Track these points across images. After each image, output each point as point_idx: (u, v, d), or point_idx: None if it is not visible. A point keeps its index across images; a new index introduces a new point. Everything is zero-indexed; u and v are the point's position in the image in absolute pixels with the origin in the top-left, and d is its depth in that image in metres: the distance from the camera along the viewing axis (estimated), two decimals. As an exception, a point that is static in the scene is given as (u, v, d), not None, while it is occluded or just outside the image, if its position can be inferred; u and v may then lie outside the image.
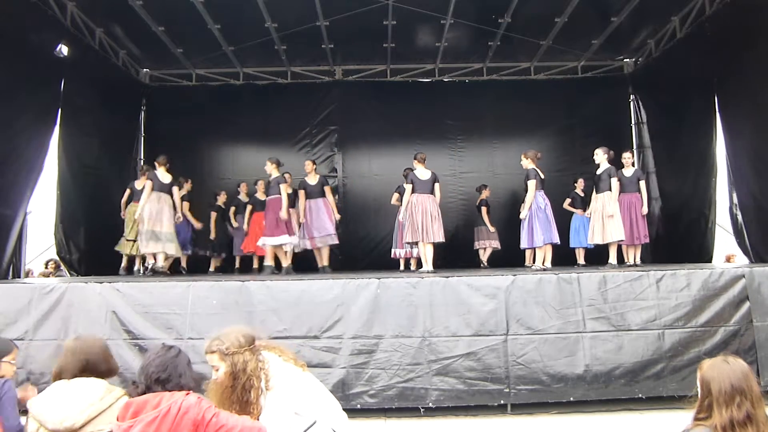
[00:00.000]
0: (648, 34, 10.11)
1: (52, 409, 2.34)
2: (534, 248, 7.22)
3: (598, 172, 7.55)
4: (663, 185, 10.18)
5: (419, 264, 7.90)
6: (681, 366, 5.27)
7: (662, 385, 5.25)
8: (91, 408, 2.34)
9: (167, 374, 2.22)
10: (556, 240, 7.14)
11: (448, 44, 10.02)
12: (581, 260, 8.92)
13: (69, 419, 2.30)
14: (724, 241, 8.84)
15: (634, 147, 11.10)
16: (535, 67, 11.28)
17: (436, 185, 7.39)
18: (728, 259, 9.81)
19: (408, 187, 7.43)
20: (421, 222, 7.14)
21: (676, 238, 9.57)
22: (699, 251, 8.99)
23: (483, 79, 11.28)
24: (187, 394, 2.22)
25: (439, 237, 7.21)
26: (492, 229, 9.78)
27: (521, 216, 7.14)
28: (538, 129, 11.08)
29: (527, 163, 7.28)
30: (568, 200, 9.46)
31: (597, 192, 7.61)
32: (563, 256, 8.83)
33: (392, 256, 8.98)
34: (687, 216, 9.34)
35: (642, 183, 7.76)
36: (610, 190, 7.35)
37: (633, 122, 11.27)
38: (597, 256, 8.29)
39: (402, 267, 8.96)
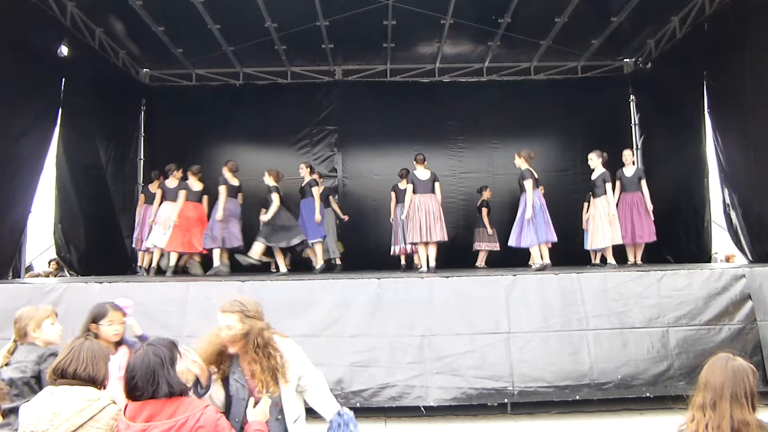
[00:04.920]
0: (648, 34, 10.11)
1: (37, 417, 2.30)
2: (531, 248, 7.23)
3: (593, 177, 7.54)
4: (663, 185, 10.17)
5: (409, 262, 8.11)
6: (687, 364, 5.26)
7: (669, 384, 5.24)
8: (77, 416, 2.31)
9: (152, 390, 2.20)
10: (552, 238, 7.13)
11: (448, 44, 10.02)
12: (596, 260, 8.95)
13: (53, 428, 2.27)
14: (725, 241, 8.84)
15: (635, 147, 11.10)
16: (535, 67, 11.27)
17: (436, 184, 7.53)
18: (728, 259, 9.82)
19: (409, 188, 7.59)
20: (424, 222, 7.27)
21: (675, 238, 9.56)
22: (698, 251, 9.00)
23: (483, 80, 11.28)
24: (206, 407, 2.22)
25: (441, 236, 7.32)
26: (491, 231, 9.75)
27: (527, 216, 7.03)
28: (538, 129, 11.07)
29: (521, 163, 7.26)
30: (586, 204, 9.21)
31: (594, 197, 7.61)
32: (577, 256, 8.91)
33: (391, 253, 9.03)
34: (685, 216, 9.35)
35: (643, 182, 7.73)
36: (606, 194, 7.34)
37: (633, 122, 11.26)
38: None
39: (403, 262, 9.04)
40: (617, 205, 7.62)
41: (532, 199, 7.00)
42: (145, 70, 11.25)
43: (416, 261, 8.72)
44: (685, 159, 9.35)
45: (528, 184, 7.02)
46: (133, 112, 10.98)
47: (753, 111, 7.30)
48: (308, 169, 8.50)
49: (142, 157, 11.10)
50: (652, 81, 10.51)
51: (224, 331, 2.63)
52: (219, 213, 7.55)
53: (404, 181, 8.45)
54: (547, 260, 7.02)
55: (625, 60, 11.34)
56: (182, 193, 8.01)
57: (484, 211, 9.79)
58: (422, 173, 7.59)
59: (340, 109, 11.04)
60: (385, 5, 8.30)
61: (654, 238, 7.77)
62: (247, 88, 11.22)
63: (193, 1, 8.01)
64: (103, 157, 9.53)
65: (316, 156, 11.02)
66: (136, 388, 2.21)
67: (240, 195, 8.13)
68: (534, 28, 9.49)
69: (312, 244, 8.07)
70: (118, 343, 3.31)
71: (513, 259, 9.35)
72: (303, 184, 8.45)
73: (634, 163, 8.00)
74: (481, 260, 9.88)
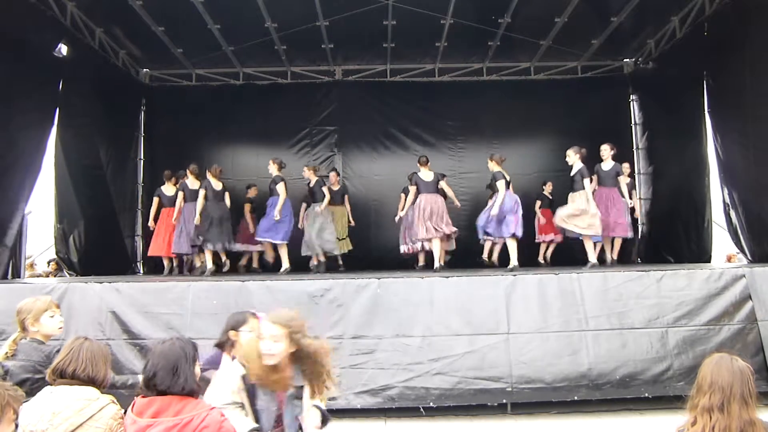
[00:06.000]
0: (648, 34, 10.11)
1: (36, 417, 2.31)
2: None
3: (572, 173, 7.55)
4: (663, 185, 10.19)
5: (427, 260, 8.24)
6: (687, 364, 5.26)
7: (668, 384, 5.25)
8: (76, 416, 2.31)
9: (170, 381, 2.21)
10: (518, 234, 7.28)
11: (448, 44, 10.01)
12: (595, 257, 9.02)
13: (52, 428, 2.28)
14: (725, 241, 8.84)
15: (634, 147, 11.12)
16: (535, 67, 11.27)
17: (441, 182, 7.88)
18: (729, 259, 9.81)
19: (412, 189, 7.92)
20: (430, 220, 7.56)
21: (676, 238, 9.57)
22: (698, 251, 9.00)
23: (483, 79, 11.27)
24: (212, 408, 2.23)
25: (448, 230, 7.64)
26: None
27: (492, 212, 7.29)
28: (537, 129, 11.08)
29: (493, 166, 7.52)
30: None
31: (572, 191, 7.59)
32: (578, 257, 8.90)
33: (402, 252, 8.96)
34: (686, 216, 9.35)
35: (621, 178, 7.63)
36: (584, 189, 7.35)
37: (633, 122, 11.26)
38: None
39: (422, 262, 8.99)
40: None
41: (503, 198, 7.23)
42: (145, 70, 11.24)
43: (420, 260, 8.77)
44: (686, 159, 9.35)
45: (501, 184, 7.31)
46: (133, 112, 10.96)
47: (753, 111, 7.30)
48: (276, 165, 7.99)
49: (142, 157, 11.09)
50: (652, 81, 10.51)
51: (267, 341, 2.56)
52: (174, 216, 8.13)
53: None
54: (514, 261, 7.21)
55: (625, 60, 11.34)
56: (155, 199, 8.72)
57: None
58: (426, 174, 7.88)
59: (340, 109, 11.03)
60: (385, 5, 8.29)
61: (627, 234, 7.70)
62: (247, 88, 11.21)
63: (193, 1, 8.00)
64: (103, 157, 9.52)
65: (316, 156, 11.01)
66: (156, 377, 2.21)
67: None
68: (534, 28, 9.48)
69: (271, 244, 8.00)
70: None
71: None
72: (270, 182, 8.15)
73: (614, 159, 7.86)
74: (494, 256, 9.74)
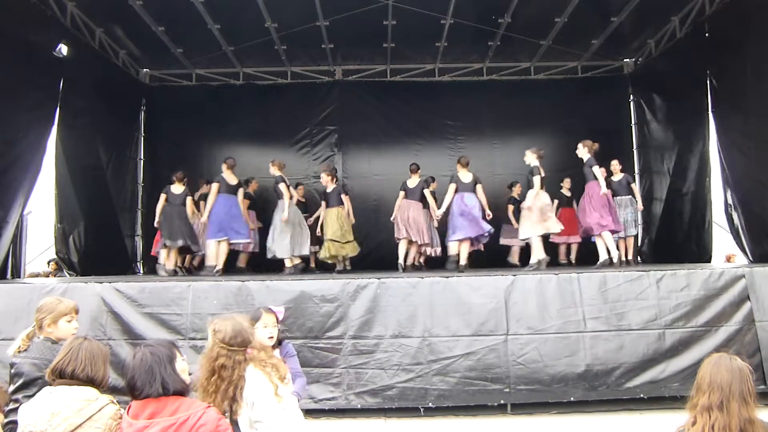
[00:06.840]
0: (648, 34, 10.11)
1: (35, 417, 2.31)
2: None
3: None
4: (663, 185, 10.18)
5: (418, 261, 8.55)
6: (683, 366, 5.28)
7: (664, 385, 5.26)
8: (75, 416, 2.31)
9: (150, 387, 2.21)
10: (468, 235, 7.40)
11: (448, 44, 10.02)
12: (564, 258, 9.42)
13: (51, 428, 2.28)
14: (726, 241, 8.83)
15: (634, 147, 11.11)
16: (535, 67, 11.27)
17: (426, 192, 8.17)
18: (728, 259, 9.80)
19: (401, 193, 8.25)
20: (400, 222, 8.07)
21: (676, 238, 9.57)
22: (699, 251, 9.00)
23: (483, 79, 11.27)
24: (208, 407, 2.23)
25: (417, 238, 8.01)
26: (516, 225, 9.48)
27: (438, 213, 7.90)
28: (537, 129, 11.06)
29: (458, 168, 7.85)
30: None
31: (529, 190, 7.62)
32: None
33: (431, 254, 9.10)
34: (687, 216, 9.35)
35: (595, 168, 7.50)
36: (533, 187, 7.42)
37: (633, 122, 11.26)
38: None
39: (464, 263, 8.97)
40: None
41: (449, 202, 7.57)
42: (145, 70, 11.24)
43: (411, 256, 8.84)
44: (686, 158, 9.34)
45: (451, 187, 7.63)
46: (133, 112, 10.96)
47: (755, 111, 7.30)
48: (224, 164, 7.92)
49: (142, 157, 11.10)
50: (652, 81, 10.51)
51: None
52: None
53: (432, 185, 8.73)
54: (463, 261, 7.35)
55: (625, 60, 11.34)
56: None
57: (510, 208, 9.61)
58: (412, 182, 8.23)
59: (340, 109, 11.03)
60: (385, 5, 8.30)
61: (592, 232, 7.50)
62: (247, 88, 11.21)
63: (193, 1, 8.01)
64: (103, 157, 9.53)
65: (316, 156, 11.02)
66: (135, 387, 2.22)
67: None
68: (534, 28, 9.48)
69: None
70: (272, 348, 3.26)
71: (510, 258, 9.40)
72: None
73: (596, 156, 7.73)
74: (515, 257, 9.66)
